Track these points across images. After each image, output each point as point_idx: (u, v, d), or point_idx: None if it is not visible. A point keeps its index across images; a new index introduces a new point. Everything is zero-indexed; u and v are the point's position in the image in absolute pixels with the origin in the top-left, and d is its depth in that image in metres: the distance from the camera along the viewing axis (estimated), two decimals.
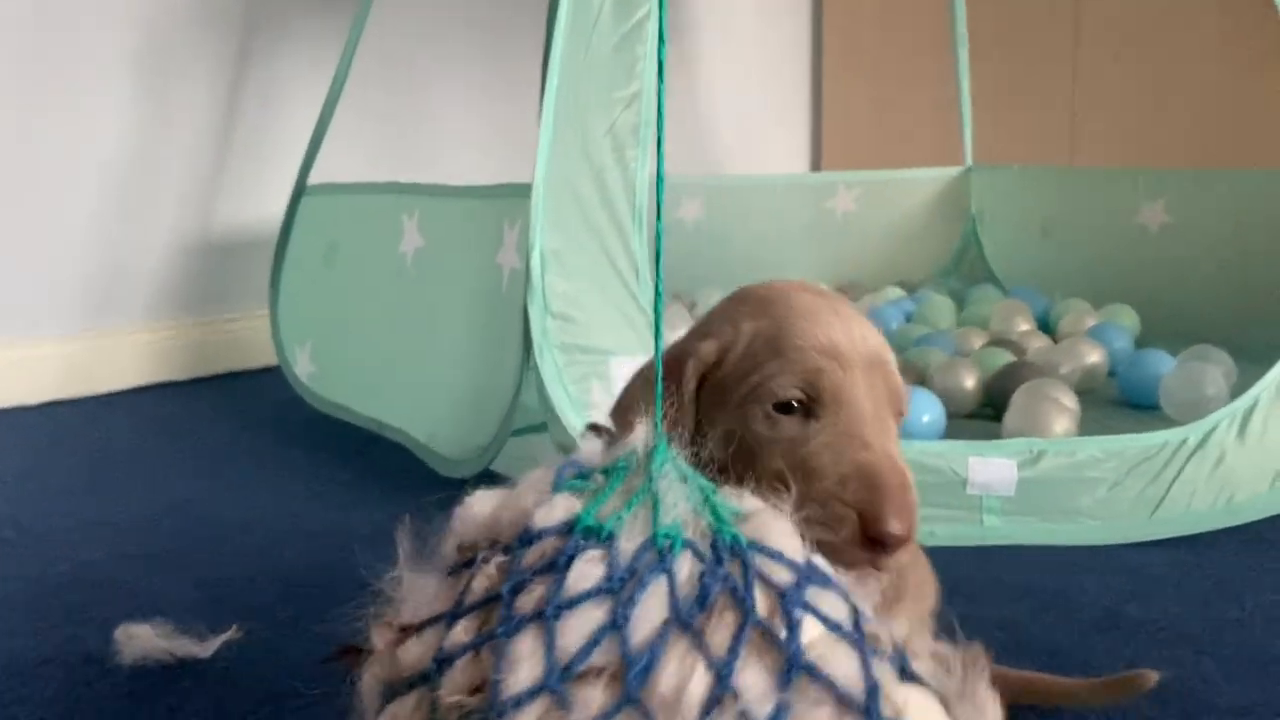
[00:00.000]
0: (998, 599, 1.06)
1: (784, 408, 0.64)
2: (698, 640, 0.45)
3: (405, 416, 1.52)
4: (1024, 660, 0.93)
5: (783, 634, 0.46)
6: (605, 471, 0.54)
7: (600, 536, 0.49)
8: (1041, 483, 1.20)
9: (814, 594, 0.49)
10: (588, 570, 0.47)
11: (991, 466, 1.19)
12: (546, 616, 0.46)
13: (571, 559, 0.48)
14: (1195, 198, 2.20)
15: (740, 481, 0.63)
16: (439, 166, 2.42)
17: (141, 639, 0.94)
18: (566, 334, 1.20)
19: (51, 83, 1.94)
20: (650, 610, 0.46)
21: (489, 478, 1.35)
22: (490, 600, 0.49)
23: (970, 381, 1.68)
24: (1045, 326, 2.22)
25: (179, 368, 2.11)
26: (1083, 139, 2.79)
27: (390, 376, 1.59)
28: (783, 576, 0.49)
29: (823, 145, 3.32)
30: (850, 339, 0.65)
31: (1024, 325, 2.10)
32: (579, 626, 0.46)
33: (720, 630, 0.45)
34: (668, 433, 0.65)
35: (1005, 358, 1.77)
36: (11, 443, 1.70)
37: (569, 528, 0.50)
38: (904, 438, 1.42)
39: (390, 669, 0.50)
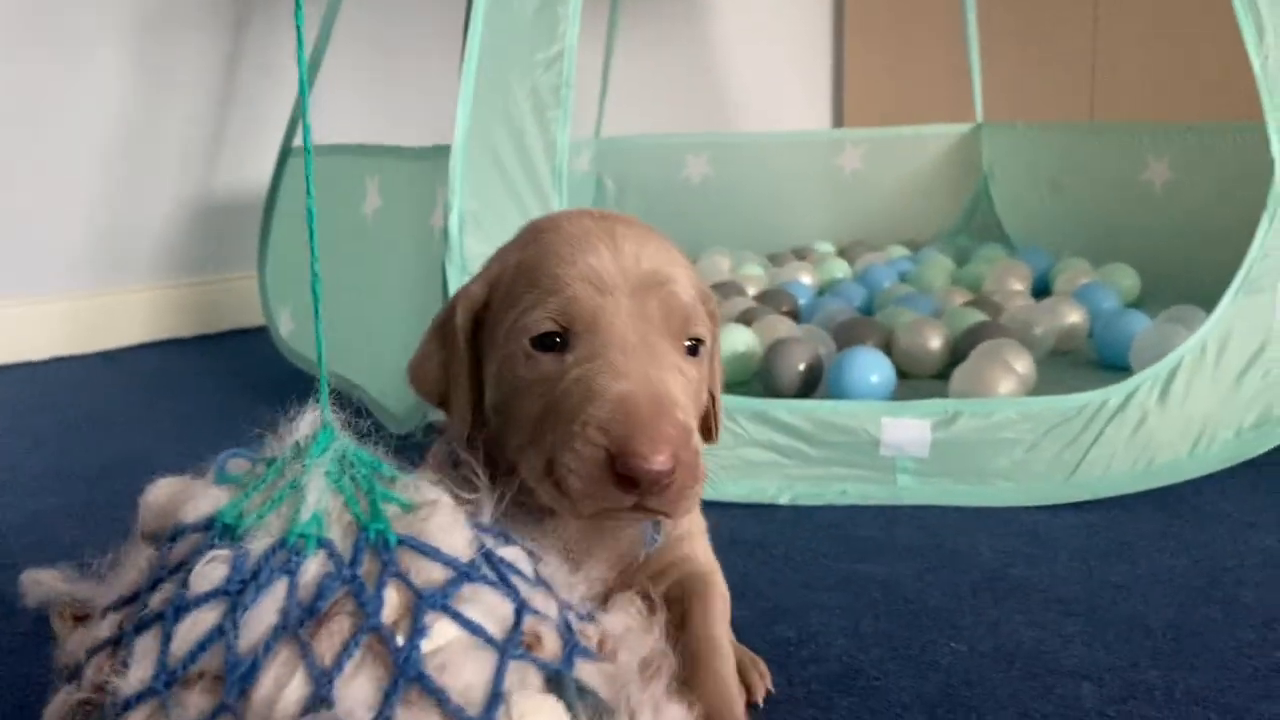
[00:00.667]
0: (890, 558, 1.06)
1: (543, 343, 0.59)
2: (302, 648, 0.43)
3: (364, 373, 1.56)
4: (893, 620, 0.93)
5: (400, 641, 0.43)
6: (268, 462, 0.52)
7: (234, 535, 0.47)
8: (956, 444, 1.19)
9: (468, 594, 0.46)
10: (209, 572, 0.46)
11: (904, 427, 1.19)
12: (166, 618, 0.45)
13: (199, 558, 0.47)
14: (1199, 153, 2.13)
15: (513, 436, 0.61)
16: (427, 126, 2.44)
17: (46, 583, 0.99)
18: None
19: (54, 51, 2.00)
20: (261, 616, 0.44)
21: (431, 432, 1.39)
22: (134, 597, 0.48)
23: (936, 342, 1.66)
24: (1046, 285, 2.18)
25: (182, 325, 2.18)
26: (1102, 95, 2.71)
27: (353, 334, 1.63)
28: (430, 575, 0.46)
29: (844, 102, 3.27)
30: (618, 261, 0.59)
31: (1017, 285, 2.06)
32: (191, 630, 0.44)
33: (330, 637, 0.43)
34: (444, 386, 0.64)
35: (976, 317, 1.74)
36: (12, 396, 1.78)
37: (210, 524, 0.48)
38: (847, 397, 1.42)
39: (61, 658, 0.50)
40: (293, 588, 0.45)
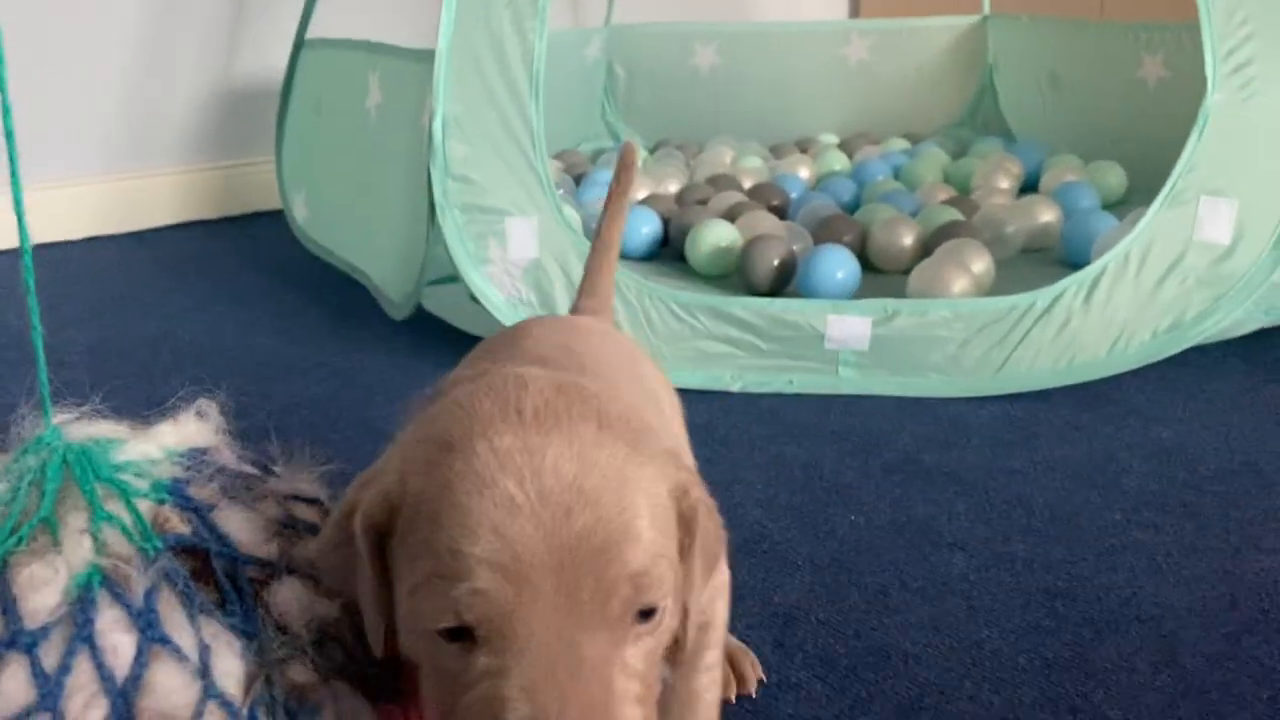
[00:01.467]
0: (818, 441, 1.19)
1: (446, 632, 0.45)
2: None
3: (368, 260, 1.68)
4: (806, 494, 1.06)
5: None
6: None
7: None
8: (894, 339, 1.30)
9: None
10: None
11: (846, 323, 1.30)
12: None
13: None
14: (1192, 52, 2.15)
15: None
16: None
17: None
18: (466, 195, 1.33)
19: None
20: None
21: (423, 319, 1.52)
22: None
23: (908, 239, 1.75)
24: (1038, 182, 2.24)
25: (208, 207, 2.31)
26: None
27: (359, 223, 1.75)
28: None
29: None
30: (541, 520, 0.44)
31: (1003, 183, 2.13)
32: None
33: None
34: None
35: (952, 216, 1.82)
36: (51, 275, 1.93)
37: None
38: (815, 293, 1.53)
39: None
40: None
